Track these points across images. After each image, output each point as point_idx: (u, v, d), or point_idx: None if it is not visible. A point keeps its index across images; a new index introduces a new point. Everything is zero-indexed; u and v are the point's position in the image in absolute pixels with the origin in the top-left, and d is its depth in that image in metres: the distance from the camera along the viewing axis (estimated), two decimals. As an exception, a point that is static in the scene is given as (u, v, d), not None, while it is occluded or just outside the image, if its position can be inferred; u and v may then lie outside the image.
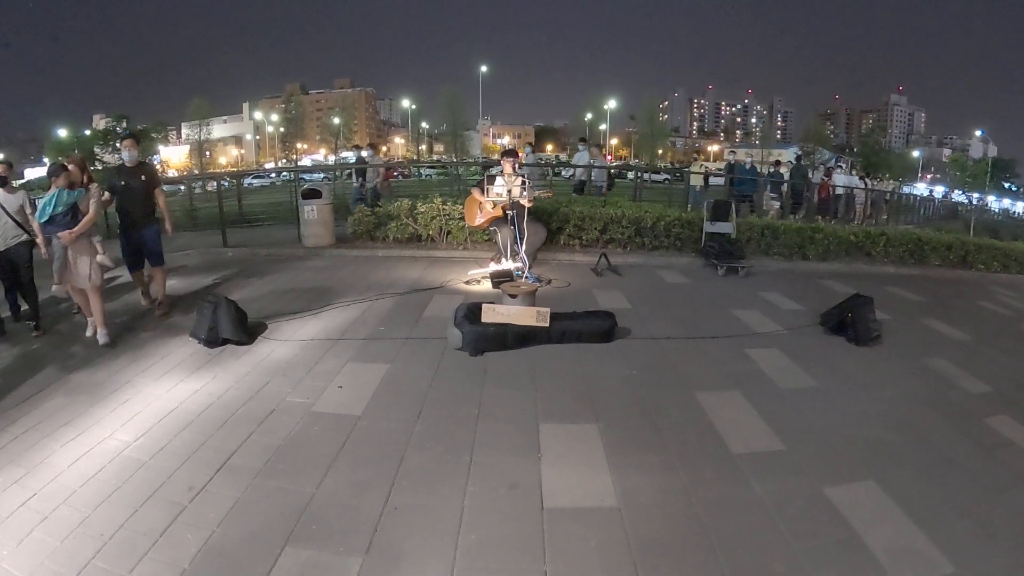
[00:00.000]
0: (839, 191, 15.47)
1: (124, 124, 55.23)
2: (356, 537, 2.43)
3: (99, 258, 4.92)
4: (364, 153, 12.78)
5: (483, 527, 2.51)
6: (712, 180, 16.87)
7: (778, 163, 16.49)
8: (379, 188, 11.38)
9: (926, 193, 41.59)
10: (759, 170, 16.82)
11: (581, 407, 3.65)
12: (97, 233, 5.20)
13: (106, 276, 5.28)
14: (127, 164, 5.72)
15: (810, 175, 16.98)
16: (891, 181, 21.78)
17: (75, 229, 4.72)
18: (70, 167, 4.93)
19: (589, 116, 72.47)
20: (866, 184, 18.90)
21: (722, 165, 20.27)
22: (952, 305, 7.24)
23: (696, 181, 15.52)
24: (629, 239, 8.63)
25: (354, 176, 12.27)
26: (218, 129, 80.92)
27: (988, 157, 74.42)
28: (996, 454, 3.40)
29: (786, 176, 15.07)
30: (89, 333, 4.97)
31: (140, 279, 5.87)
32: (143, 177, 5.68)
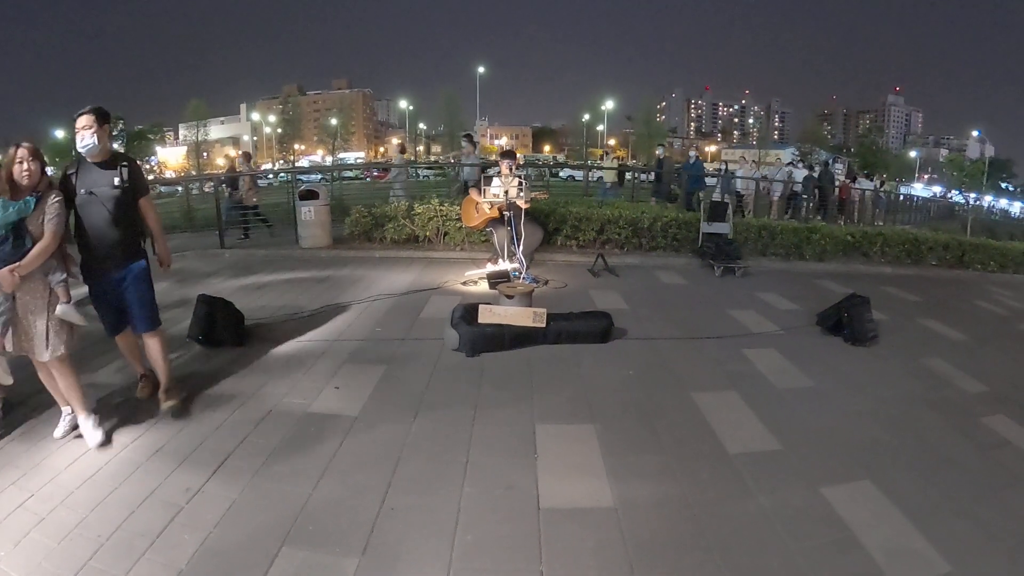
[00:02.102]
0: (798, 188, 15.00)
1: (120, 125, 55.10)
2: (353, 538, 2.43)
3: (61, 309, 3.13)
4: (239, 163, 11.84)
5: (479, 528, 2.51)
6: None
7: (812, 167, 16.53)
8: (244, 198, 10.51)
9: (926, 194, 41.77)
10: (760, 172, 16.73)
11: (578, 408, 3.65)
12: (60, 267, 3.19)
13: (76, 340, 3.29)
14: (89, 159, 3.33)
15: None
16: (873, 179, 21.74)
17: (19, 265, 2.96)
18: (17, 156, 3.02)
19: (587, 117, 72.58)
20: (855, 180, 18.99)
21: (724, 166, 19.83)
22: (949, 305, 7.26)
23: (608, 177, 14.36)
24: (626, 240, 8.65)
25: (225, 189, 11.01)
26: (215, 130, 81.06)
27: (985, 157, 74.65)
28: (993, 454, 3.41)
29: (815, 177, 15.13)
30: (59, 432, 3.23)
31: (129, 346, 3.71)
32: (117, 181, 3.33)
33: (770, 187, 15.06)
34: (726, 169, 17.57)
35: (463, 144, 11.68)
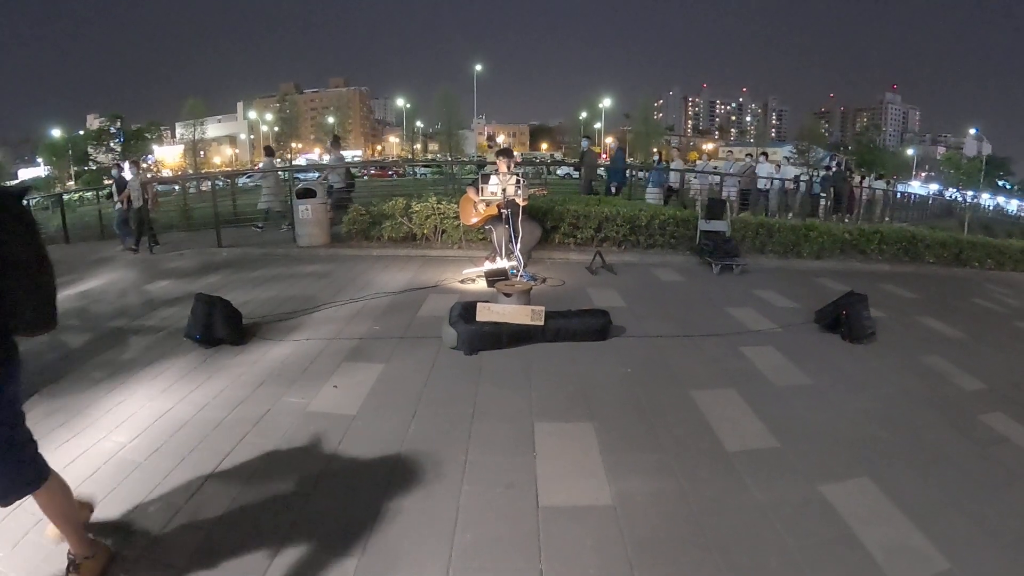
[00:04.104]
0: (762, 184, 14.15)
1: (118, 124, 55.02)
2: (352, 537, 2.42)
3: None
4: (127, 174, 10.77)
5: (478, 526, 2.51)
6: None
7: (828, 168, 16.52)
8: (149, 205, 10.02)
9: (923, 192, 41.88)
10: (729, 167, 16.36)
11: (576, 406, 3.65)
12: None
13: None
14: None
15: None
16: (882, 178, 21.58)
17: None
18: None
19: (584, 115, 72.54)
20: (859, 179, 18.98)
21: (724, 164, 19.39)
22: (946, 302, 7.28)
23: None
24: (624, 237, 8.65)
25: (115, 196, 10.53)
26: (212, 129, 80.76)
27: (982, 155, 74.66)
28: (991, 451, 3.42)
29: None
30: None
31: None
32: None
33: (721, 182, 13.97)
34: (659, 160, 16.94)
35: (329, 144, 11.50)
